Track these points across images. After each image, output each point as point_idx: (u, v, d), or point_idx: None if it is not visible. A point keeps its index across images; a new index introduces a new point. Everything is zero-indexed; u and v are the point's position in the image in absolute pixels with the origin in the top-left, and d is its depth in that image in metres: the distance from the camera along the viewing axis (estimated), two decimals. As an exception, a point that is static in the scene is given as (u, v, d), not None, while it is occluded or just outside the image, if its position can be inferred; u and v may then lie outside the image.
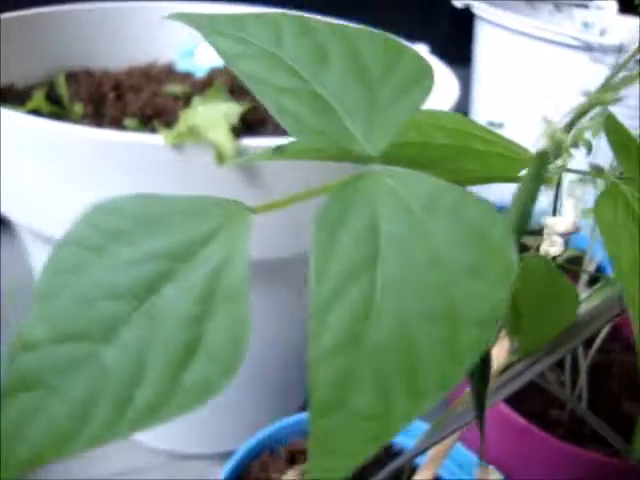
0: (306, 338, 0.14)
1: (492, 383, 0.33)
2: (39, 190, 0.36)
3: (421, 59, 0.16)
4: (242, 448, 0.40)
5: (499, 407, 0.43)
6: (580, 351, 0.45)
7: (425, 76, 0.16)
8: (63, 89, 0.50)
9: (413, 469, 0.35)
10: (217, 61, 0.60)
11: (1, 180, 0.37)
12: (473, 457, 0.41)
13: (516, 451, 0.44)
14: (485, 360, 0.18)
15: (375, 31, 0.17)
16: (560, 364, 0.46)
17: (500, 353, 0.33)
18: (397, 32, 0.26)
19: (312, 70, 0.17)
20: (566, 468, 0.43)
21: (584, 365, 0.45)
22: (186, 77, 0.58)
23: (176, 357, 0.15)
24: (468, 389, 0.26)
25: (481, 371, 0.18)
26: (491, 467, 0.27)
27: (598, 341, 0.47)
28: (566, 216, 0.16)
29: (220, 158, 0.35)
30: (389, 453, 0.41)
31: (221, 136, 0.35)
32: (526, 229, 0.15)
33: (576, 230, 0.16)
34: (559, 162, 0.15)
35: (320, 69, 0.17)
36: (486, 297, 0.14)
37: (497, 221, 0.14)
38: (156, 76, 0.57)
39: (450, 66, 0.51)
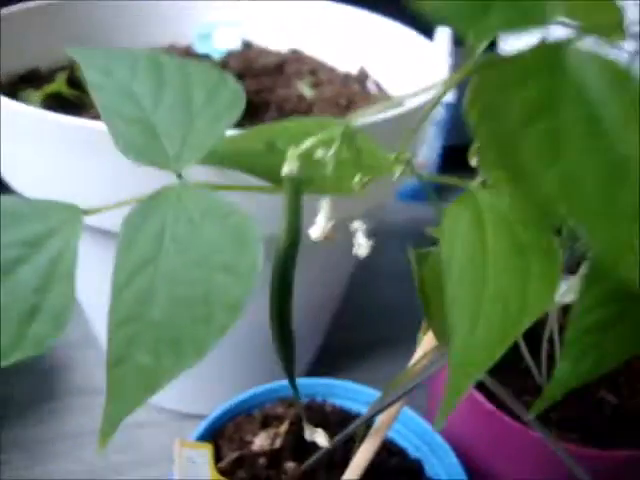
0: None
1: (418, 366, 0.36)
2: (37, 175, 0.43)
3: (236, 90, 0.20)
4: (218, 409, 0.46)
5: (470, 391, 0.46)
6: (557, 337, 0.46)
7: (236, 105, 0.20)
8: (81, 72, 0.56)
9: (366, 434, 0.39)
10: (234, 44, 0.65)
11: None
12: (421, 421, 0.45)
13: (484, 435, 0.47)
14: (288, 332, 0.22)
15: (208, 67, 0.22)
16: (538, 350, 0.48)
17: (428, 341, 0.36)
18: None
19: (152, 101, 0.21)
20: (532, 455, 0.45)
21: (559, 351, 0.46)
22: (203, 59, 0.63)
23: (24, 317, 0.20)
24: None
25: (285, 340, 0.22)
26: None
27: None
28: (317, 225, 0.19)
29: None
30: (347, 420, 0.45)
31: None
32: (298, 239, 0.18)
33: (329, 237, 0.19)
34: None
35: (158, 100, 0.21)
36: (234, 288, 0.17)
37: (251, 227, 0.18)
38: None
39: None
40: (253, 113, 0.53)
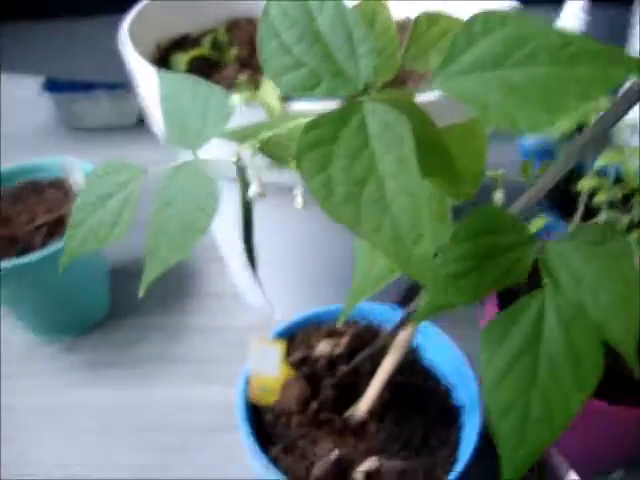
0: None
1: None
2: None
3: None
4: (295, 317, 0.60)
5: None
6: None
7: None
8: (222, 36, 0.70)
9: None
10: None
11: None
12: (456, 349, 0.55)
13: None
14: (252, 251, 0.34)
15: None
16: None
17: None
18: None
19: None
20: None
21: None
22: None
23: (109, 226, 0.35)
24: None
25: (251, 255, 0.34)
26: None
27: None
28: (253, 187, 0.30)
29: (270, 114, 0.52)
30: (372, 334, 0.57)
31: (272, 100, 0.52)
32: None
33: (262, 195, 0.30)
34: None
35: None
36: (205, 219, 0.30)
37: (216, 187, 0.30)
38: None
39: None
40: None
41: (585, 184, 0.50)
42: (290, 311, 0.67)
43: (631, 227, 0.51)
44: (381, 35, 0.31)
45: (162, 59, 0.69)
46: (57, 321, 0.71)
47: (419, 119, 0.29)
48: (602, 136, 0.29)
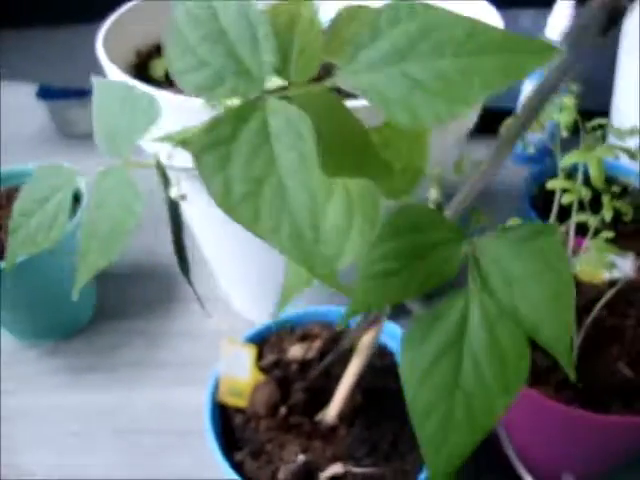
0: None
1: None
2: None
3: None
4: (268, 322, 0.59)
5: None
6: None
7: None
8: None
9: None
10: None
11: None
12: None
13: None
14: (182, 250, 0.34)
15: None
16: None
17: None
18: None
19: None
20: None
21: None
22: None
23: (47, 227, 0.35)
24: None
25: (181, 255, 0.34)
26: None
27: (602, 301, 0.53)
28: (174, 189, 0.30)
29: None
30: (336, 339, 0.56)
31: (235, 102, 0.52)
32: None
33: (182, 198, 0.30)
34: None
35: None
36: (131, 218, 0.30)
37: (137, 195, 0.30)
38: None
39: None
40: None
41: (554, 184, 0.50)
42: (266, 315, 0.67)
43: (602, 228, 0.50)
44: (304, 34, 0.31)
45: (142, 65, 0.70)
46: (40, 326, 0.72)
47: (337, 116, 0.29)
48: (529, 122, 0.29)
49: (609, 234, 0.47)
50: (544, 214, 0.57)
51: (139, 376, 0.69)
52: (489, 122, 0.64)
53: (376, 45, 0.25)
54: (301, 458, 0.50)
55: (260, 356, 0.58)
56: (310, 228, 0.24)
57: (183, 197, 0.30)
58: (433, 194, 0.33)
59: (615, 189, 0.49)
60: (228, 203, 0.24)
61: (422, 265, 0.30)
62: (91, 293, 0.77)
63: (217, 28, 0.26)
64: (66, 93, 0.97)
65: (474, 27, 0.25)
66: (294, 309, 0.60)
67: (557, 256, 0.29)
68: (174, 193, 0.29)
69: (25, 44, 0.99)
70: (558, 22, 0.82)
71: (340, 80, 0.25)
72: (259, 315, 0.72)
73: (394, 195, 0.33)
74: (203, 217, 0.66)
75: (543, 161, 0.78)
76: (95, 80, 0.35)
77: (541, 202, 0.70)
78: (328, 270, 0.24)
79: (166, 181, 0.30)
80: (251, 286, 0.70)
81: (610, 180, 0.70)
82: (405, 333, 0.28)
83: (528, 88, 0.90)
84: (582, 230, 0.53)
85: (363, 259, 0.30)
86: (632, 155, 0.48)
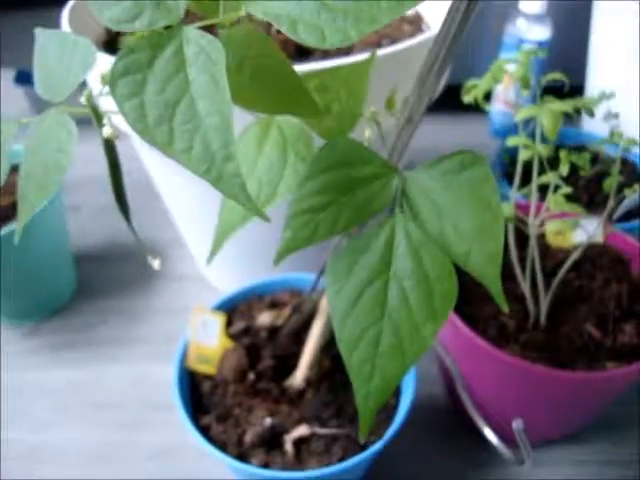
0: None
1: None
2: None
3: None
4: (236, 290, 0.60)
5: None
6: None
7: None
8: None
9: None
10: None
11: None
12: None
13: (462, 350, 0.54)
14: (123, 196, 0.34)
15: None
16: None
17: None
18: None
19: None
20: (498, 370, 0.52)
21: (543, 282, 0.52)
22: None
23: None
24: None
25: (122, 202, 0.34)
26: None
27: (568, 263, 0.54)
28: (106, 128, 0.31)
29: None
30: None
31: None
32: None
33: (114, 136, 0.31)
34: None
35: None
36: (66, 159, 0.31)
37: (73, 133, 0.31)
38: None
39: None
40: (302, 53, 0.63)
41: (513, 140, 0.50)
42: (236, 282, 0.68)
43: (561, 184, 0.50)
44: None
45: (112, 41, 0.71)
46: (21, 307, 0.73)
47: (266, 56, 0.30)
48: (448, 57, 0.29)
49: (567, 190, 0.47)
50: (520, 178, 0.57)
51: (117, 352, 0.70)
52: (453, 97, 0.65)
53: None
54: (268, 421, 0.51)
55: (229, 324, 0.58)
56: (221, 147, 0.24)
57: (115, 136, 0.30)
58: (367, 133, 0.34)
59: (586, 155, 0.49)
60: (143, 126, 0.24)
61: (351, 199, 0.30)
62: (70, 273, 0.77)
63: (133, -40, 0.26)
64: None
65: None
66: (263, 277, 0.61)
67: (486, 186, 0.30)
68: (106, 132, 0.30)
69: (2, 29, 1.00)
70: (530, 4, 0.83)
71: (251, 7, 0.25)
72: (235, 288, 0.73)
73: (330, 135, 0.34)
74: (176, 190, 0.67)
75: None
76: (37, 31, 0.36)
77: (513, 170, 0.70)
78: (238, 187, 0.24)
79: (99, 120, 0.30)
80: (226, 263, 0.71)
81: (581, 148, 0.70)
82: (330, 264, 0.29)
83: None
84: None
85: (293, 196, 0.30)
86: (590, 112, 0.48)
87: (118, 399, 0.65)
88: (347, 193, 0.30)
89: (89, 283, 0.78)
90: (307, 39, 0.25)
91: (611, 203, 0.53)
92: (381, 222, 0.29)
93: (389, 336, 0.28)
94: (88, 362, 0.69)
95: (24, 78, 1.00)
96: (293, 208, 0.30)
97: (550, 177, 0.48)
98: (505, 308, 0.30)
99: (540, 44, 0.84)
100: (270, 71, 0.30)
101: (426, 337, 0.28)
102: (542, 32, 0.83)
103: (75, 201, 0.88)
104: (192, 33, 0.26)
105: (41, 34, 0.36)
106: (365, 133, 0.33)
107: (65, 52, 0.33)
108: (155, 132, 0.24)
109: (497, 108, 0.90)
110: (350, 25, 0.24)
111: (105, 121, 0.30)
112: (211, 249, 0.37)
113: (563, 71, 0.86)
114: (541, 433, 0.59)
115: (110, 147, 0.31)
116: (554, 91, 0.86)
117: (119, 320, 0.74)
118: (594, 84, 0.84)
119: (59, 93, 0.33)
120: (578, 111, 0.50)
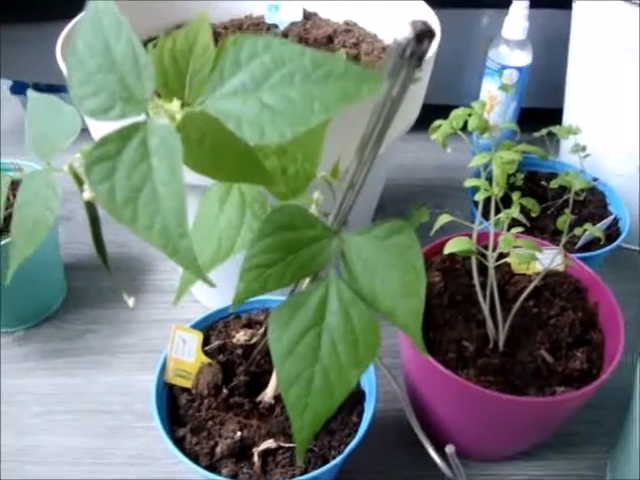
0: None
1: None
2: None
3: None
4: (213, 310, 0.66)
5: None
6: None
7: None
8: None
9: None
10: (296, 16, 0.81)
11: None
12: None
13: (418, 366, 0.61)
14: (102, 247, 0.41)
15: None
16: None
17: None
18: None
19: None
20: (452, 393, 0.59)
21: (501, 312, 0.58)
22: (270, 29, 0.81)
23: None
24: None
25: (101, 250, 0.41)
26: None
27: (527, 291, 0.60)
28: (86, 191, 0.37)
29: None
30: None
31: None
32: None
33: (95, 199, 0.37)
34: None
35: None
36: (51, 217, 0.37)
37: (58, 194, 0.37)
38: (247, 28, 0.82)
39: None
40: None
41: (469, 182, 0.56)
42: (218, 299, 0.74)
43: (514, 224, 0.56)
44: (198, 58, 0.37)
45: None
46: (11, 314, 0.80)
47: (219, 133, 0.36)
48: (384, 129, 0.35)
49: (519, 229, 0.53)
50: (484, 210, 0.63)
51: (103, 361, 0.77)
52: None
53: (237, 76, 0.32)
54: (238, 434, 0.57)
55: (207, 340, 0.65)
56: (176, 226, 0.31)
57: (95, 199, 0.37)
58: (316, 195, 0.40)
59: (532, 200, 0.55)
60: (112, 206, 0.31)
61: (296, 258, 0.36)
62: (61, 282, 0.84)
63: (110, 58, 0.32)
64: (40, 88, 1.05)
65: (320, 59, 0.31)
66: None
67: (411, 251, 0.36)
68: (87, 195, 0.36)
69: (2, 41, 1.06)
70: (514, 23, 0.88)
71: (209, 104, 0.31)
72: (218, 304, 0.79)
73: (285, 197, 0.40)
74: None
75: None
76: (30, 93, 0.42)
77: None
78: (190, 259, 0.31)
79: (80, 184, 0.37)
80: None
81: (554, 175, 0.76)
82: (273, 315, 0.35)
83: (487, 86, 0.95)
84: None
85: (246, 253, 0.36)
86: (542, 155, 0.54)
87: (102, 406, 0.72)
88: (292, 252, 0.37)
89: (79, 292, 0.85)
90: (249, 135, 0.31)
91: (565, 237, 0.59)
92: (318, 281, 0.36)
93: (320, 378, 0.35)
94: (75, 369, 0.76)
95: (19, 89, 1.07)
96: (246, 264, 0.37)
97: (503, 217, 0.54)
98: (427, 355, 0.36)
99: (520, 70, 0.89)
100: (226, 146, 0.37)
101: (351, 380, 0.35)
102: (523, 58, 0.89)
103: (66, 211, 0.95)
104: (155, 125, 0.32)
105: (33, 96, 0.42)
106: (314, 195, 0.40)
107: (51, 117, 0.40)
108: (122, 211, 0.31)
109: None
110: (287, 125, 0.31)
111: (85, 186, 0.37)
112: (176, 297, 0.44)
113: (544, 95, 0.92)
114: (497, 450, 0.66)
115: (90, 207, 0.38)
116: (535, 113, 0.92)
117: (107, 329, 0.80)
118: (570, 105, 0.90)
119: (47, 154, 0.39)
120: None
